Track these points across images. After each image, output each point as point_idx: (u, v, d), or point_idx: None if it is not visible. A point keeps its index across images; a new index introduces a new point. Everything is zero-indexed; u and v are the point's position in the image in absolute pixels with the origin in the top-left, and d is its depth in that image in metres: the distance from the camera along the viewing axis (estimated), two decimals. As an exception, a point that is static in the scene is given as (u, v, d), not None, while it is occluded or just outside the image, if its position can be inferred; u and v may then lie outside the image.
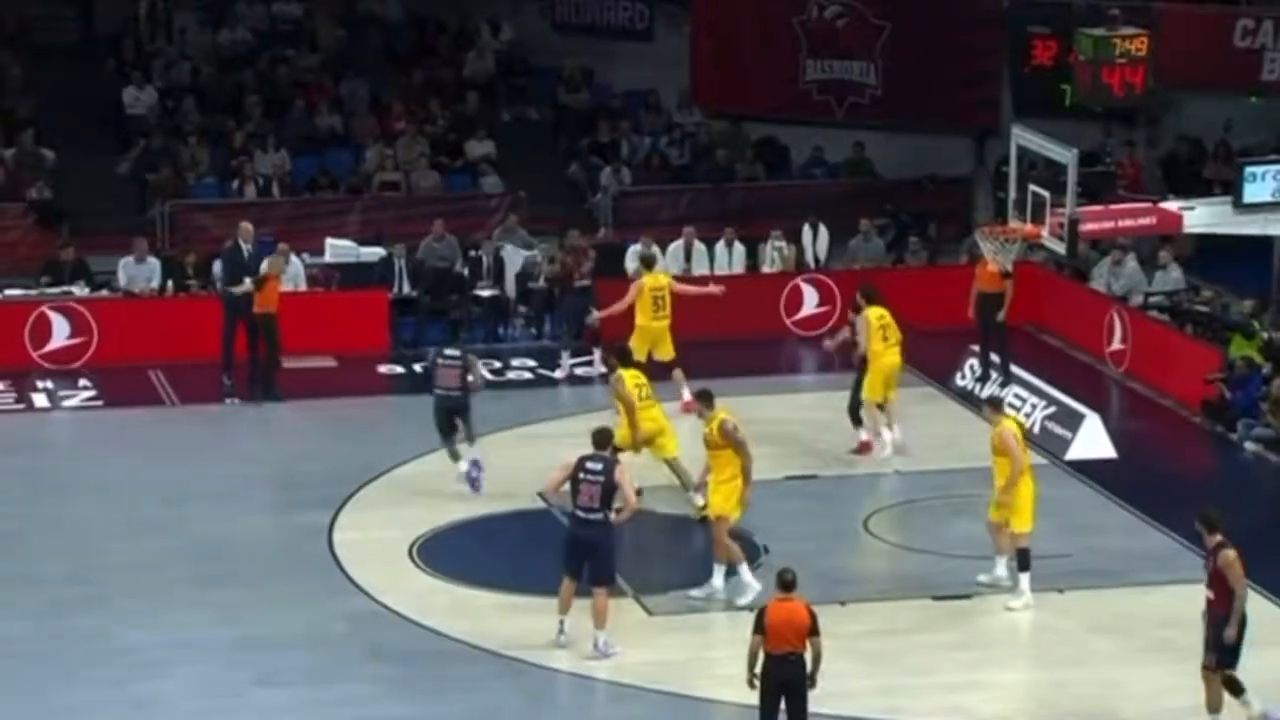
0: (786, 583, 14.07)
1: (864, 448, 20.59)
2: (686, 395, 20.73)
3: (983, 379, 22.42)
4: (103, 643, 16.44)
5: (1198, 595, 17.32)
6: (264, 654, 16.27)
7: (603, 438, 16.33)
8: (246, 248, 23.22)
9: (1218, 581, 14.54)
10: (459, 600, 17.38)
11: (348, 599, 17.39)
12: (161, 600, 17.28)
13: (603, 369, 22.15)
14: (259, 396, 22.50)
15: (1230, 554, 14.50)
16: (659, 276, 22.03)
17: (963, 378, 23.19)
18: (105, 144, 28.88)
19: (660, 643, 16.55)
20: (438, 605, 17.22)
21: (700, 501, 18.23)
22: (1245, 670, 14.87)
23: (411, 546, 18.51)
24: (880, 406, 20.39)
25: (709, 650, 16.44)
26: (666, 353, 21.41)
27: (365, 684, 15.81)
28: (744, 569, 17.02)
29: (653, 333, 21.48)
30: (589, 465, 16.06)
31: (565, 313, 24.11)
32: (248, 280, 22.61)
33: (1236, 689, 14.76)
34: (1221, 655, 14.62)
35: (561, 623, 16.22)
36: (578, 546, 16.09)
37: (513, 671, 16.01)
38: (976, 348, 22.81)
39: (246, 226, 23.45)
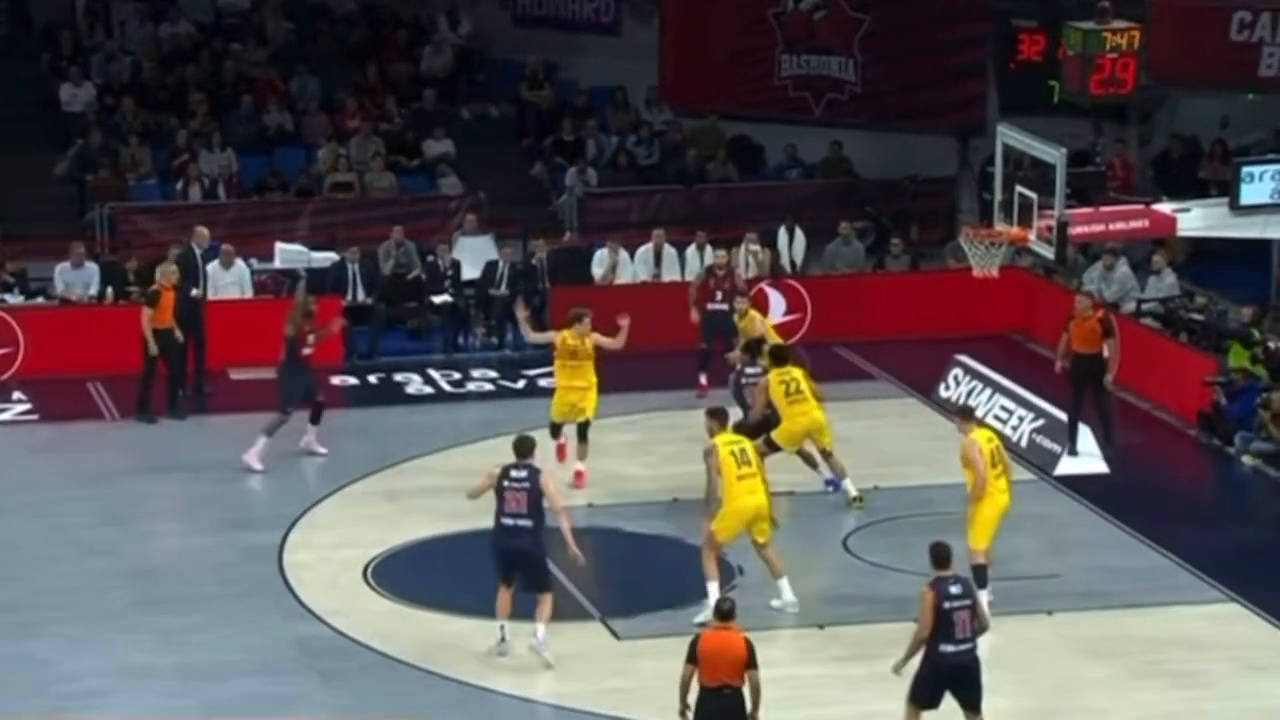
0: (724, 612, 14.01)
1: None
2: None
3: (1071, 452, 21.05)
4: (39, 671, 16.41)
5: (1193, 617, 17.49)
6: (211, 683, 16.26)
7: (525, 446, 16.59)
8: (199, 252, 23.40)
9: None
10: (416, 624, 17.39)
11: (299, 623, 17.39)
12: (101, 626, 17.26)
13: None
14: (156, 413, 22.39)
15: (925, 591, 14.45)
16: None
17: (946, 389, 23.26)
18: (41, 143, 28.80)
19: (631, 668, 16.58)
20: (393, 629, 17.23)
21: (852, 491, 19.85)
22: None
23: (366, 567, 18.52)
24: None
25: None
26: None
27: (318, 712, 15.81)
28: (713, 589, 17.08)
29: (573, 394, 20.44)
30: (513, 474, 16.36)
31: (285, 385, 21.09)
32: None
33: None
34: (912, 688, 14.47)
35: (502, 628, 16.42)
36: (507, 556, 16.39)
37: (473, 698, 16.04)
38: (1065, 416, 21.39)
39: (202, 231, 23.70)
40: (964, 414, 17.85)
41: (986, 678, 16.22)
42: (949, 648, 14.31)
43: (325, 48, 31.30)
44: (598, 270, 26.09)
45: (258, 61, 30.62)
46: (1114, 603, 17.83)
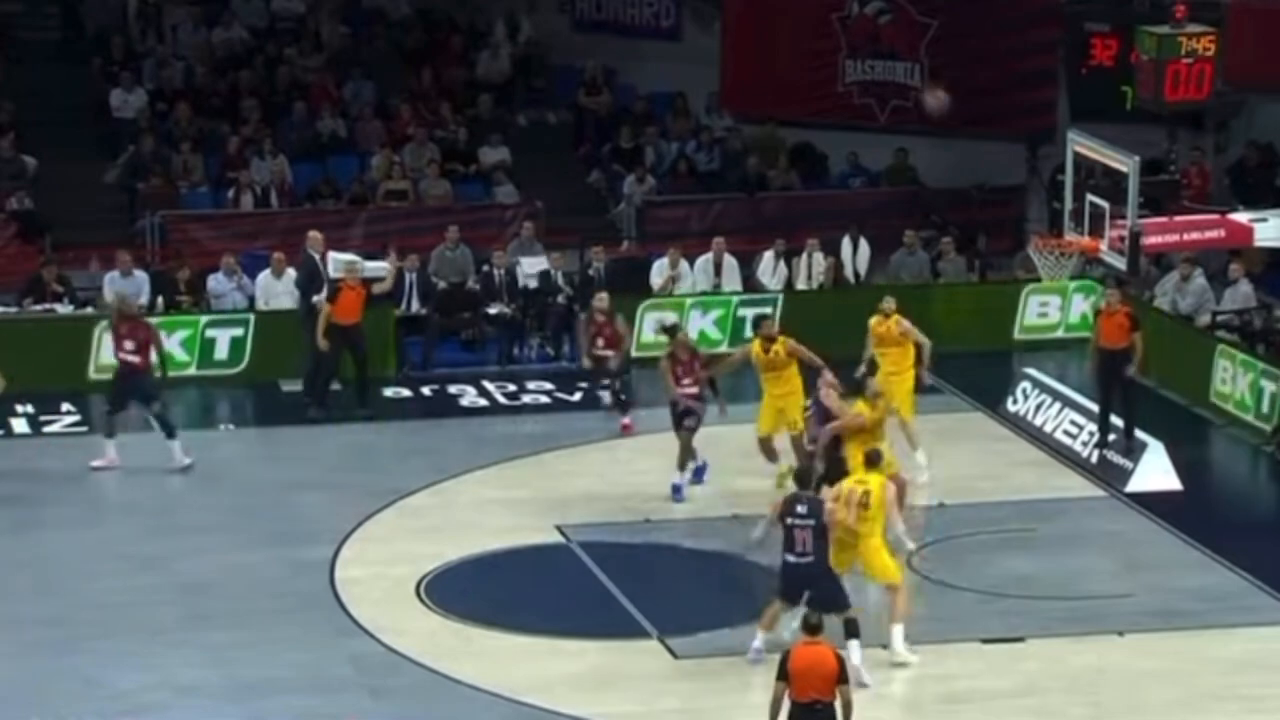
0: (812, 626, 14.07)
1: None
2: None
3: (1101, 445, 21.37)
4: (87, 686, 16.49)
5: (1270, 639, 17.37)
6: (261, 699, 16.31)
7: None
8: (316, 256, 23.73)
9: None
10: (469, 641, 17.41)
11: (350, 640, 17.43)
12: (150, 641, 17.33)
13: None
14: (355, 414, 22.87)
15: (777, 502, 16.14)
16: None
17: (1013, 402, 23.17)
18: (91, 150, 28.97)
19: (690, 688, 16.56)
20: (446, 647, 17.26)
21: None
22: None
23: (419, 583, 18.55)
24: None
25: (744, 696, 16.41)
26: None
27: (369, 731, 15.87)
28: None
29: None
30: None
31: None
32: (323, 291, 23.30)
33: None
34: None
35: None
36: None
37: (525, 718, 16.04)
38: (1096, 409, 21.65)
39: (316, 235, 24.07)
40: (871, 459, 17.18)
41: (1059, 699, 16.18)
42: (790, 558, 16.18)
43: (380, 53, 31.41)
44: (657, 280, 26.10)
45: (311, 67, 30.73)
46: (1187, 623, 17.71)
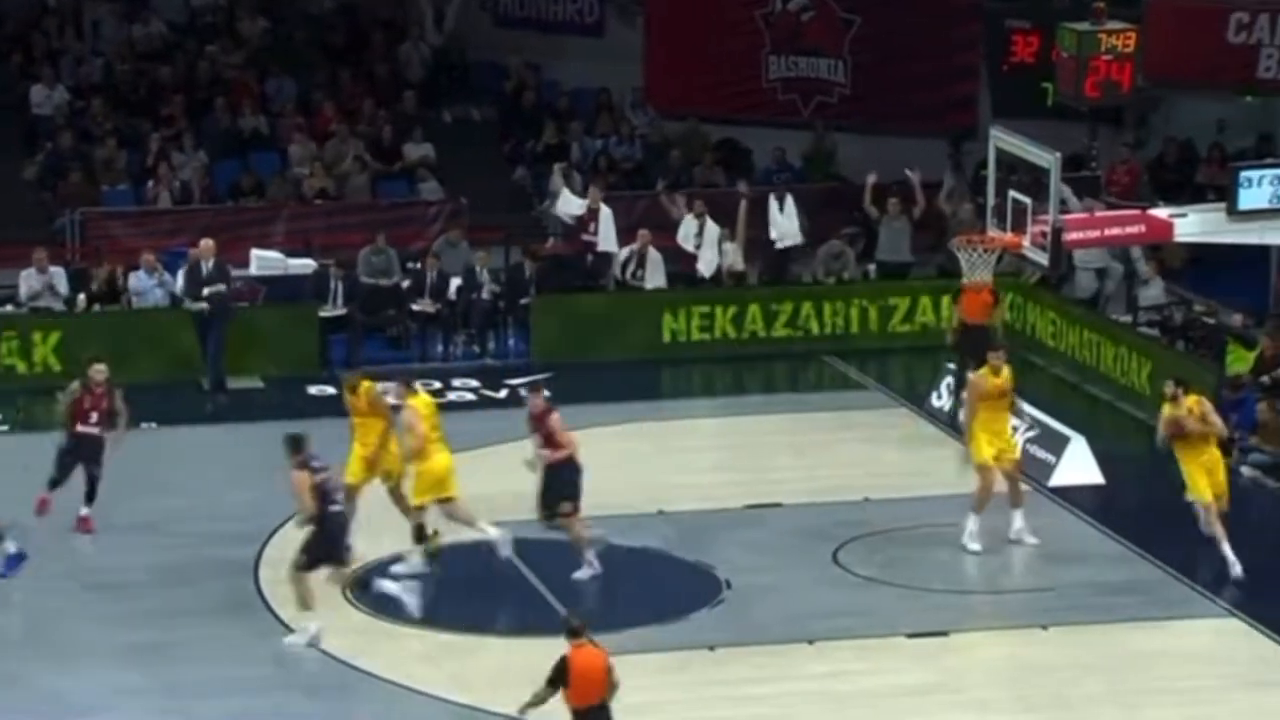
0: (575, 629, 13.95)
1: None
2: None
3: (953, 417, 21.67)
4: (17, 690, 16.42)
5: (1193, 632, 17.56)
6: (189, 700, 16.29)
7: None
8: (206, 265, 24.04)
9: None
10: (395, 640, 17.40)
11: (276, 640, 17.39)
12: (77, 644, 17.25)
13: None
14: None
15: (299, 475, 17.11)
16: None
17: (938, 398, 23.32)
18: (9, 147, 28.76)
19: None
20: (373, 646, 17.24)
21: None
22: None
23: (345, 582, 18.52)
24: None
25: (673, 693, 16.48)
26: None
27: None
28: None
29: None
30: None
31: None
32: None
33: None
34: (307, 554, 17.13)
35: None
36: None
37: (453, 715, 16.06)
38: (952, 381, 22.29)
39: (208, 244, 24.31)
40: (404, 383, 18.98)
41: (985, 694, 16.32)
42: (334, 508, 17.19)
43: (302, 48, 31.26)
44: (562, 211, 26.06)
45: (233, 63, 30.56)
46: (1111, 617, 17.88)
